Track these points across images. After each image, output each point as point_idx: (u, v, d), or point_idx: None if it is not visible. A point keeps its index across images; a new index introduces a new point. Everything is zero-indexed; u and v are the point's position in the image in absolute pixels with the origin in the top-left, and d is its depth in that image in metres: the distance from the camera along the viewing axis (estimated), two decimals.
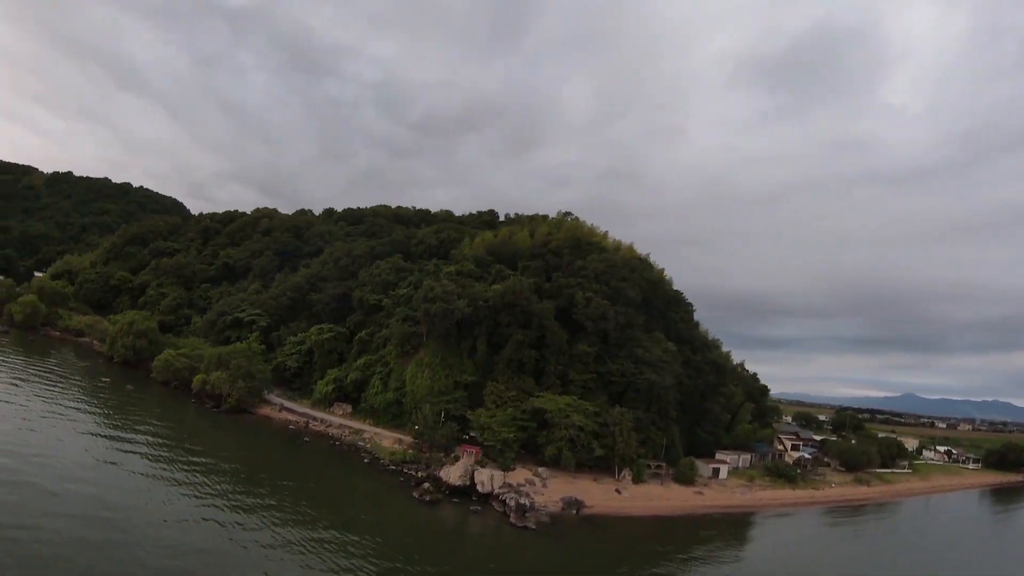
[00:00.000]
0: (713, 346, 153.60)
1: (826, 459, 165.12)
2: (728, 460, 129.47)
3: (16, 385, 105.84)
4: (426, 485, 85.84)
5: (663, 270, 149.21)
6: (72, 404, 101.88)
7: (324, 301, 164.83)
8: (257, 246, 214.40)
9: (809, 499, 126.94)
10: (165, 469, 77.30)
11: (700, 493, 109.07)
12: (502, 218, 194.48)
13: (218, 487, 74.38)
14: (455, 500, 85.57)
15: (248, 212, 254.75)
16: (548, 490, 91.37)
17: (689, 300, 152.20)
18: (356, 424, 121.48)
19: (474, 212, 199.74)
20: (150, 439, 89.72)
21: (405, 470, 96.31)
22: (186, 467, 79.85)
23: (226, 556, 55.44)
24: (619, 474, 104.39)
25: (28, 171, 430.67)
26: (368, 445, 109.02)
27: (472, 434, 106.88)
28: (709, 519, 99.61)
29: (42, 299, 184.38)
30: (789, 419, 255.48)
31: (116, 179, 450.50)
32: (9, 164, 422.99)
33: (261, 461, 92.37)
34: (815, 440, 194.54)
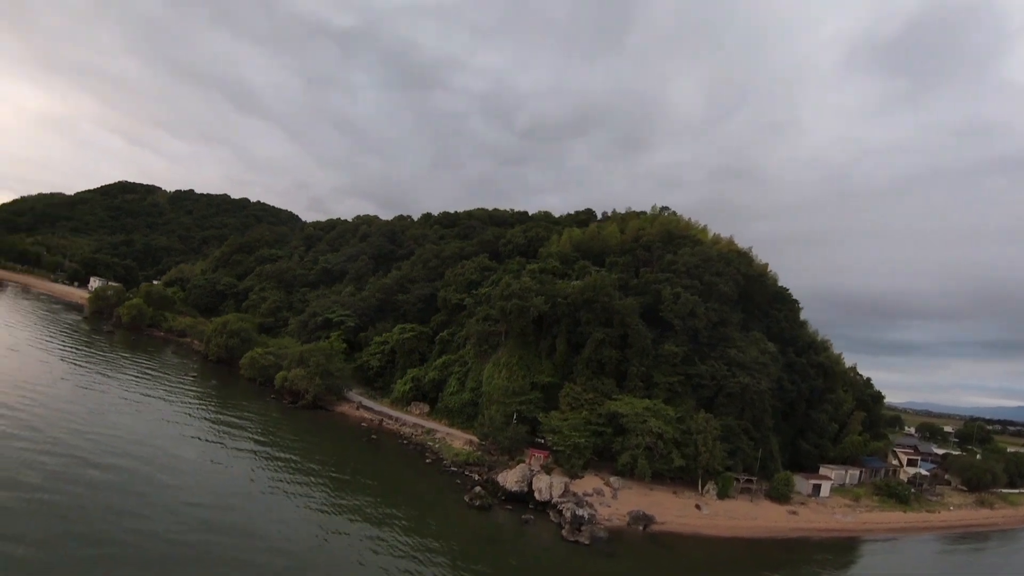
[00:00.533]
0: (821, 347, 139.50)
1: (946, 476, 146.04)
2: (832, 476, 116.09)
3: (105, 376, 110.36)
4: (477, 489, 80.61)
5: (766, 264, 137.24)
6: (151, 394, 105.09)
7: (411, 302, 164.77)
8: (354, 250, 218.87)
9: (922, 523, 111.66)
10: (218, 454, 77.01)
11: (794, 513, 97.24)
12: (599, 216, 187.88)
13: (258, 473, 73.19)
14: (508, 507, 79.68)
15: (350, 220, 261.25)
16: (617, 502, 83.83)
17: (796, 298, 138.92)
18: (431, 424, 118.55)
19: (571, 212, 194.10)
20: (215, 427, 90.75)
21: (466, 472, 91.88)
22: (236, 453, 79.52)
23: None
24: (702, 488, 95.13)
25: (152, 190, 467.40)
26: (437, 445, 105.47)
27: (544, 438, 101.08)
28: (800, 544, 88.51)
29: (148, 303, 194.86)
30: (912, 430, 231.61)
31: (235, 195, 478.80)
32: (135, 184, 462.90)
33: (317, 453, 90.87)
34: (935, 454, 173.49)
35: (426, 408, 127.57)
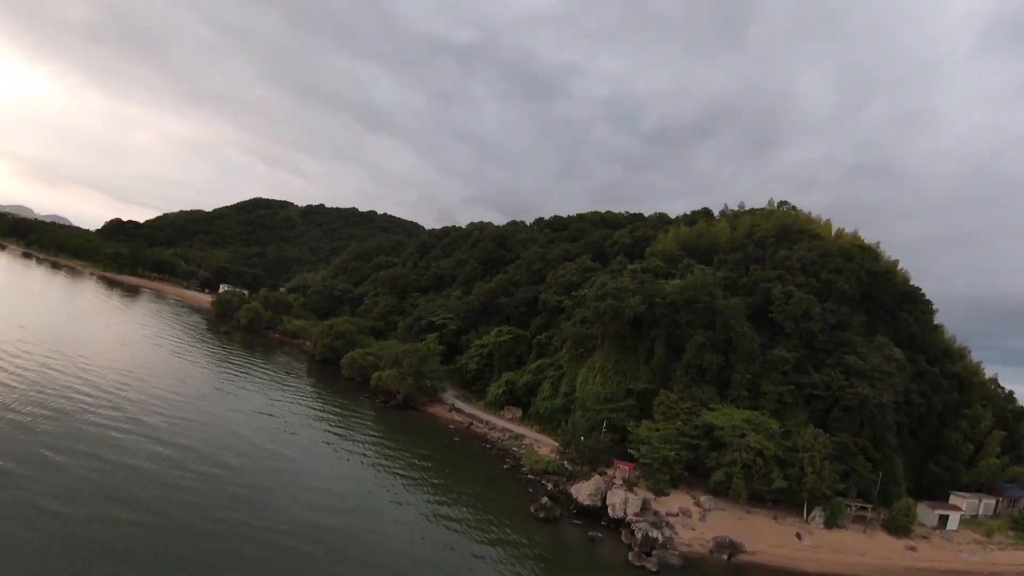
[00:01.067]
0: (958, 356, 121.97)
1: None
2: (963, 506, 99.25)
3: (205, 368, 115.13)
4: (544, 500, 74.84)
5: (896, 261, 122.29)
6: (248, 386, 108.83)
7: (513, 305, 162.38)
8: (463, 255, 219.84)
9: None
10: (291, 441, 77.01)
11: (912, 548, 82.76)
12: (716, 215, 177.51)
13: (323, 466, 72.11)
14: (577, 522, 73.17)
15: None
16: (704, 525, 75.26)
17: (930, 299, 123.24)
18: (521, 429, 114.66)
19: (687, 212, 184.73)
20: (297, 418, 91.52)
21: (542, 481, 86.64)
22: (305, 444, 79.28)
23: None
24: (807, 514, 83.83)
25: (285, 205, 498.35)
26: (521, 451, 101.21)
27: (636, 448, 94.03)
28: None
29: (266, 306, 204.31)
30: None
31: (363, 208, 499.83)
32: (269, 200, 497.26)
33: (391, 450, 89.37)
34: None
35: (519, 413, 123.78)
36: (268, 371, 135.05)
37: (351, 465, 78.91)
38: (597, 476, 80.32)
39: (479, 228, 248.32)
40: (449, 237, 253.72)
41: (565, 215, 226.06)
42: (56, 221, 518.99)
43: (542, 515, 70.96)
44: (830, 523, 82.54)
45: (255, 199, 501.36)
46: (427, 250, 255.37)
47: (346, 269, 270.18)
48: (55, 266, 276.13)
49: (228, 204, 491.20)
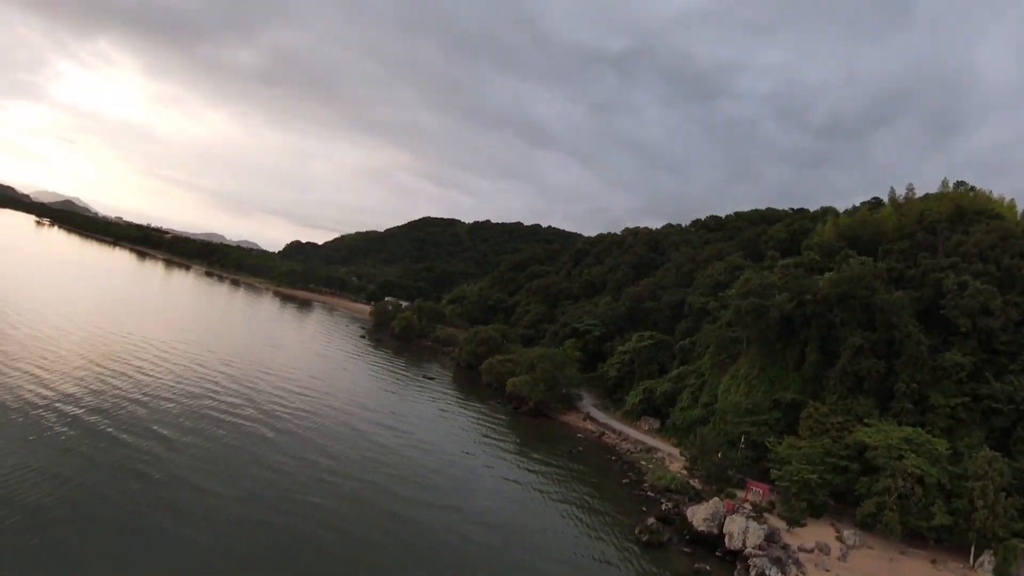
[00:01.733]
0: None
1: None
2: None
3: (345, 369, 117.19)
4: (651, 521, 65.29)
5: None
6: (382, 387, 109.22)
7: (659, 309, 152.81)
8: (615, 261, 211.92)
9: None
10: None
11: None
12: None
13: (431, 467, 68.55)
14: (687, 550, 62.54)
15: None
16: (843, 566, 61.07)
17: None
18: (656, 441, 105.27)
19: (856, 205, 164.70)
20: (420, 421, 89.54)
21: (661, 500, 77.10)
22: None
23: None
24: (974, 559, 65.81)
25: (453, 223, 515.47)
26: (650, 465, 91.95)
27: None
28: None
29: (419, 316, 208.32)
30: None
31: (528, 223, 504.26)
32: (438, 219, 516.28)
33: (509, 453, 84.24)
34: None
35: (656, 424, 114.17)
36: (405, 373, 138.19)
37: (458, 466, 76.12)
38: (717, 499, 69.43)
39: (633, 233, 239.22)
40: (603, 244, 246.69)
41: (723, 215, 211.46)
42: (245, 245, 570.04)
43: (646, 538, 61.80)
44: (1001, 571, 63.88)
45: (425, 218, 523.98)
46: (581, 258, 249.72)
47: (502, 279, 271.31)
48: (234, 283, 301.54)
49: (399, 224, 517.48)
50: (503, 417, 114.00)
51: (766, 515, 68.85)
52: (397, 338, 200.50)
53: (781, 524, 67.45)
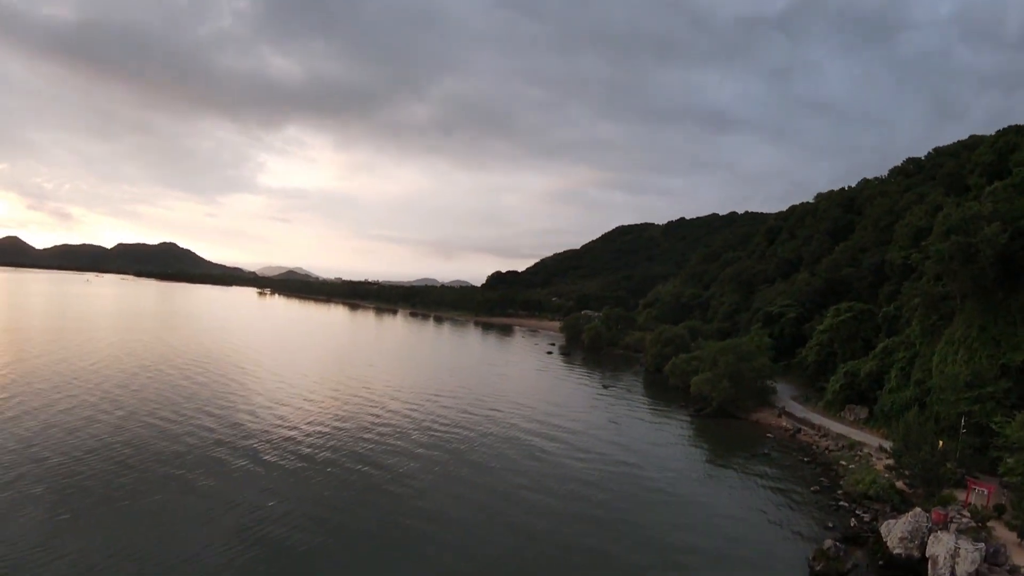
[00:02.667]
0: None
1: None
2: None
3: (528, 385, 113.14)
4: (828, 544, 49.27)
5: None
6: (550, 395, 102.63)
7: (861, 276, 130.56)
8: (808, 232, 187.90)
9: None
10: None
11: None
12: None
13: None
14: None
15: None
16: None
17: None
18: (862, 435, 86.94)
19: None
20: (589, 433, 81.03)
21: (856, 510, 60.74)
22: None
23: None
24: None
25: (647, 227, 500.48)
26: (851, 466, 74.72)
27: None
28: None
29: (608, 324, 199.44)
30: None
31: (724, 212, 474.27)
32: (631, 226, 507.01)
33: (682, 461, 72.10)
34: None
35: (863, 413, 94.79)
36: (584, 383, 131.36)
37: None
38: (918, 509, 51.90)
39: (826, 197, 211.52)
40: (795, 215, 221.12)
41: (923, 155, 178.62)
42: (456, 285, 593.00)
43: (820, 567, 46.79)
44: None
45: (619, 227, 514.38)
46: (774, 236, 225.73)
47: (694, 274, 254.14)
48: (438, 319, 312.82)
49: (594, 238, 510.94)
50: (684, 419, 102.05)
51: (991, 524, 50.74)
52: (588, 350, 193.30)
53: (1011, 536, 49.08)
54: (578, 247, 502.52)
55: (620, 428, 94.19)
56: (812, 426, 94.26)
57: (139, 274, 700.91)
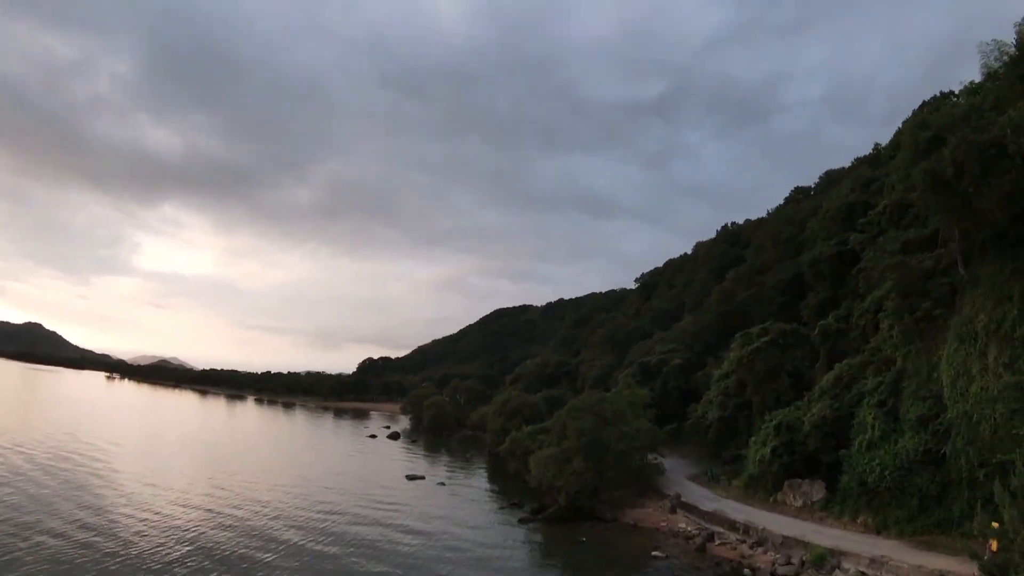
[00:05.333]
0: None
1: None
2: None
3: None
4: None
5: None
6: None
7: (765, 299, 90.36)
8: (687, 277, 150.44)
9: None
10: None
11: None
12: None
13: None
14: None
15: None
16: None
17: None
18: (828, 531, 42.79)
19: None
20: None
21: None
22: None
23: None
24: None
25: (526, 309, 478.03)
26: None
27: None
28: None
29: (454, 400, 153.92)
30: None
31: (603, 289, 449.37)
32: (509, 309, 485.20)
33: None
34: None
35: (818, 492, 50.65)
36: (389, 474, 77.95)
37: None
38: None
39: (705, 244, 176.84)
40: (672, 267, 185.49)
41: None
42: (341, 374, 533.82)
43: None
44: None
45: (497, 310, 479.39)
46: (650, 292, 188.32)
47: (563, 342, 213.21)
48: (287, 405, 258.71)
49: (472, 323, 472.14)
50: (514, 527, 54.44)
51: None
52: (430, 431, 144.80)
53: None
54: (455, 331, 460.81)
55: (395, 552, 45.51)
56: (732, 525, 49.07)
57: None
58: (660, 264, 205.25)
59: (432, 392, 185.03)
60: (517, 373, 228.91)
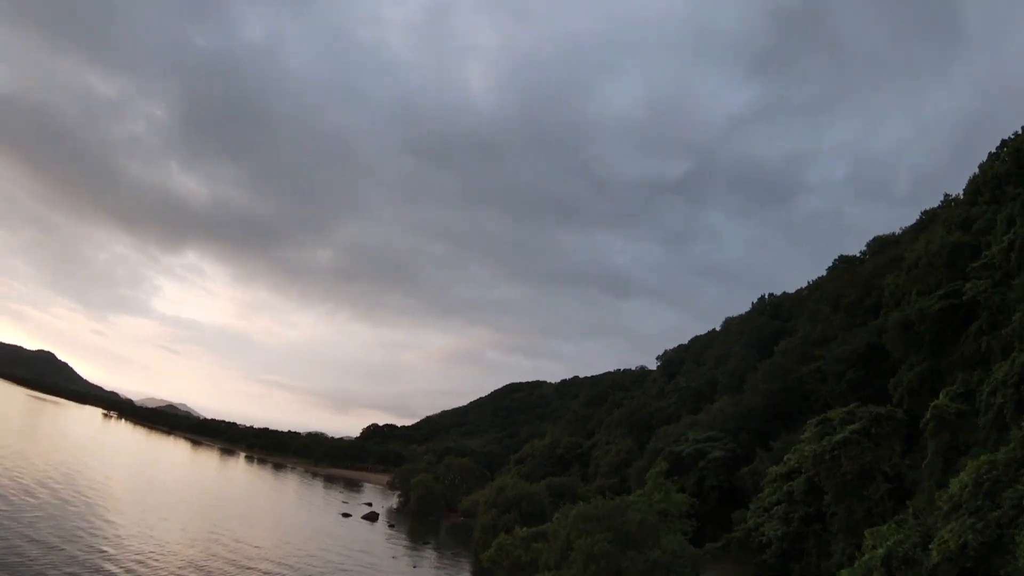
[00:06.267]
0: None
1: None
2: None
3: None
4: None
5: None
6: None
7: (830, 373, 70.90)
8: (723, 351, 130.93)
9: None
10: None
11: None
12: None
13: None
14: None
15: None
16: None
17: None
18: None
19: None
20: None
21: None
22: None
23: None
24: None
25: (539, 385, 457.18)
26: None
27: None
28: None
29: (447, 481, 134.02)
30: None
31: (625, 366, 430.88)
32: (522, 384, 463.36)
33: None
34: None
35: None
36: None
37: None
38: None
39: (736, 319, 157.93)
40: (698, 344, 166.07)
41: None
42: (345, 438, 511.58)
43: None
44: None
45: (509, 384, 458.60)
46: (675, 368, 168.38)
47: (576, 420, 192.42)
48: (277, 466, 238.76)
49: (483, 395, 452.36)
50: None
51: None
52: (416, 514, 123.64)
53: None
54: (465, 403, 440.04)
55: None
56: None
57: (3, 376, 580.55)
58: (676, 344, 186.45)
59: (424, 467, 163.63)
60: (524, 452, 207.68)
